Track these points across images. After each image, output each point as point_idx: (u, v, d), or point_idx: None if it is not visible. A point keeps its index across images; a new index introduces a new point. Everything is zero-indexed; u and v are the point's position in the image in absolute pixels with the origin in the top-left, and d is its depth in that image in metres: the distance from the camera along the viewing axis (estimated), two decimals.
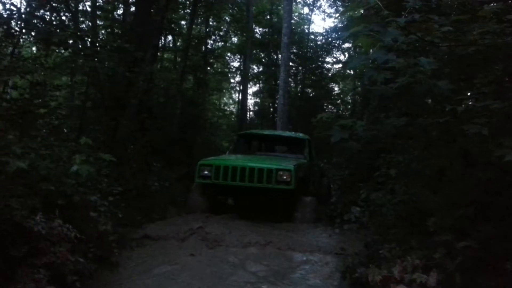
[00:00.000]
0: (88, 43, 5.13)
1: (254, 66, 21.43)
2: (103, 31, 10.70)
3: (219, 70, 19.94)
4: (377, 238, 4.19)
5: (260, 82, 21.92)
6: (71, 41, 4.65)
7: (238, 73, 21.55)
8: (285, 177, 5.97)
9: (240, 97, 20.48)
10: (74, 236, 2.94)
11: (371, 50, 2.34)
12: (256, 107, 22.07)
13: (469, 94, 2.65)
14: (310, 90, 21.36)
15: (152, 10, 7.70)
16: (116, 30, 8.85)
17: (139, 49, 6.34)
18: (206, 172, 6.17)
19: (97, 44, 5.22)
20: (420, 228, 3.57)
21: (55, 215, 2.90)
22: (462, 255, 2.77)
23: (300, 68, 21.40)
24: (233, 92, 24.64)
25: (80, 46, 4.70)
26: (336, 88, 23.27)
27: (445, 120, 2.30)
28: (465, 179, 2.69)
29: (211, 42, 17.37)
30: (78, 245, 3.04)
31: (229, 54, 20.86)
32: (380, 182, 4.50)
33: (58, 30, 4.57)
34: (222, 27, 17.51)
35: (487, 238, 2.70)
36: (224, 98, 25.13)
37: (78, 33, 4.99)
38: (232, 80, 22.89)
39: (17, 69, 3.14)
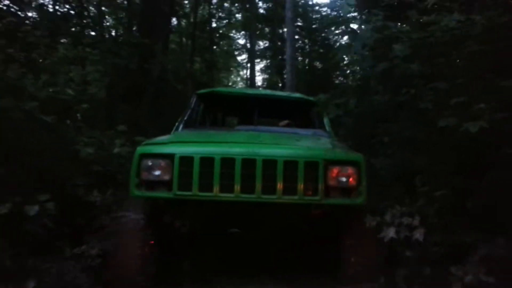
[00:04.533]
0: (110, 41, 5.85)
1: (260, 42, 21.92)
2: (109, 19, 11.35)
3: (225, 48, 20.54)
4: (376, 197, 4.90)
5: (267, 58, 22.43)
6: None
7: (245, 50, 22.10)
8: (347, 178, 3.00)
9: (248, 75, 21.09)
10: None
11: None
12: (265, 83, 22.64)
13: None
14: (318, 63, 21.78)
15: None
16: (124, 20, 9.51)
17: (151, 39, 7.01)
18: (158, 173, 2.93)
19: (119, 41, 5.92)
20: (410, 185, 4.29)
21: (106, 190, 3.70)
22: (439, 202, 3.51)
23: (306, 41, 21.80)
24: (240, 69, 25.24)
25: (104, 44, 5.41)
26: (345, 58, 23.70)
27: (405, 98, 2.95)
28: (439, 144, 3.37)
29: (215, 20, 17.91)
30: None
31: (234, 31, 21.39)
32: (377, 149, 5.20)
33: (85, 32, 5.25)
34: (225, 4, 17.99)
35: (458, 188, 3.42)
36: (232, 76, 25.75)
37: (106, 35, 5.70)
38: (239, 58, 23.47)
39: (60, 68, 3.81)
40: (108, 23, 10.94)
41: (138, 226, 3.04)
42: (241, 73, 25.47)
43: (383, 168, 5.19)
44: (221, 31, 18.82)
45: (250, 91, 5.77)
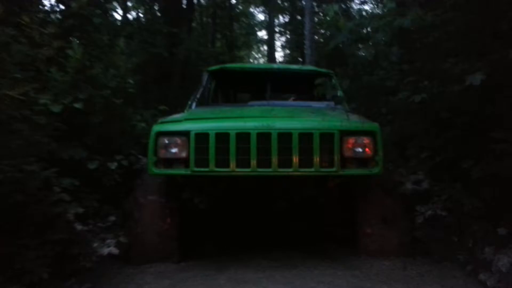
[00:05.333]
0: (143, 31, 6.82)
1: (280, 17, 22.33)
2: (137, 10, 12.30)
3: (245, 25, 21.14)
4: None
5: (287, 33, 22.86)
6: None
7: (264, 26, 22.61)
8: (363, 148, 3.03)
9: (267, 51, 21.70)
10: None
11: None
12: (286, 59, 23.16)
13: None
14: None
15: None
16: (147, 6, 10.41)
17: (177, 25, 7.92)
18: (175, 150, 3.05)
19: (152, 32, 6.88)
20: (404, 149, 5.13)
21: None
22: (425, 162, 4.34)
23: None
24: (261, 46, 25.79)
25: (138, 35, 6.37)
26: (368, 29, 23.85)
27: (381, 77, 3.79)
28: (419, 114, 4.19)
29: None
30: None
31: (253, 7, 21.90)
32: (380, 119, 6.03)
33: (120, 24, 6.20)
34: None
35: (438, 148, 4.23)
36: (253, 52, 26.36)
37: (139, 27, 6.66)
38: (259, 33, 24.01)
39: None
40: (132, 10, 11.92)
41: (158, 205, 3.25)
42: (261, 49, 26.06)
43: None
44: (240, 7, 19.39)
45: (262, 65, 5.65)
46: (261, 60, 25.49)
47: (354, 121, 3.22)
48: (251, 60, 24.86)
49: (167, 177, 3.27)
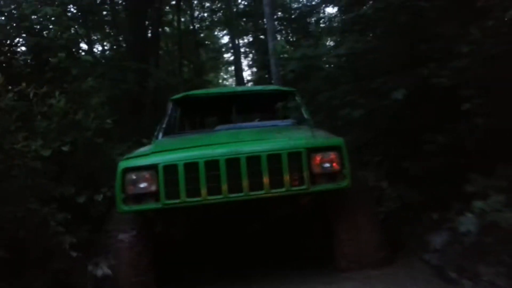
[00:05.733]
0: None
1: (245, 37, 23.18)
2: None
3: (211, 48, 21.83)
4: None
5: (252, 52, 23.71)
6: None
7: (230, 47, 23.40)
8: (331, 163, 3.13)
9: (235, 72, 22.45)
10: None
11: None
12: (254, 77, 23.95)
13: None
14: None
15: (146, 22, 9.74)
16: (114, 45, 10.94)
17: (145, 59, 8.43)
18: (143, 185, 3.04)
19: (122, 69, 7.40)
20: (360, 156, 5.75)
21: None
22: (379, 166, 4.97)
23: (288, 31, 23.07)
24: (228, 67, 26.55)
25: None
26: (330, 43, 25.01)
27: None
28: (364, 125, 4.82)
29: (198, 21, 19.21)
30: None
31: (217, 30, 22.68)
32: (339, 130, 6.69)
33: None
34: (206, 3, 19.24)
35: (385, 152, 4.89)
36: (222, 74, 27.06)
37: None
38: (225, 55, 24.78)
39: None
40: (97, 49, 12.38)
41: (130, 242, 3.20)
42: (229, 69, 26.78)
43: None
44: (204, 31, 20.08)
45: (225, 89, 5.86)
46: (230, 80, 26.19)
47: (320, 137, 3.31)
48: (220, 82, 25.52)
49: (138, 213, 3.21)
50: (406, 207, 4.04)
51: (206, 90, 5.68)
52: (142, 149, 3.48)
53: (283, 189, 2.99)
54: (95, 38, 12.65)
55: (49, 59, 3.99)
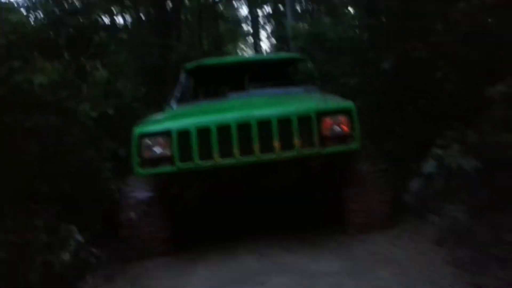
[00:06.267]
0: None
1: (264, 7, 23.41)
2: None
3: (230, 20, 22.27)
4: None
5: (271, 23, 23.96)
6: None
7: (249, 18, 23.75)
8: (341, 127, 3.25)
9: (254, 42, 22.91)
10: None
11: None
12: (272, 48, 24.31)
13: None
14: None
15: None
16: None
17: (167, 33, 9.19)
18: (157, 150, 3.25)
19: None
20: None
21: None
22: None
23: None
24: (248, 38, 26.89)
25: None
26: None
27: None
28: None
29: None
30: None
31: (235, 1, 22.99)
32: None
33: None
34: None
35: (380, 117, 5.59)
36: (240, 44, 27.45)
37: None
38: (244, 26, 25.13)
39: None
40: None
41: (148, 203, 3.43)
42: (249, 40, 27.11)
43: None
44: (223, 3, 20.49)
45: (237, 58, 5.77)
46: (249, 51, 26.58)
47: (330, 101, 3.42)
48: (239, 52, 25.96)
49: (154, 176, 3.39)
50: (394, 161, 4.77)
51: (218, 59, 5.79)
52: (157, 116, 3.70)
53: (294, 152, 3.13)
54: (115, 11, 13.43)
55: (91, 36, 4.83)
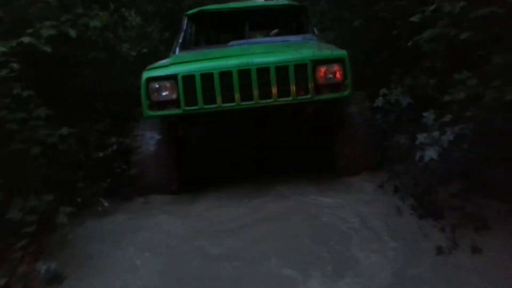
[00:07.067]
0: None
1: None
2: None
3: None
4: None
5: None
6: None
7: None
8: (334, 75, 3.52)
9: None
10: None
11: None
12: None
13: None
14: None
15: None
16: None
17: None
18: (165, 93, 3.54)
19: None
20: None
21: None
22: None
23: None
24: None
25: None
26: None
27: None
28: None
29: None
30: None
31: None
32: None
33: None
34: None
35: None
36: None
37: None
38: None
39: None
40: None
41: (156, 143, 3.78)
42: None
43: None
44: None
45: (237, 5, 5.82)
46: None
47: (325, 50, 3.68)
48: None
49: (161, 118, 3.77)
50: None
51: (220, 5, 5.96)
52: (162, 61, 3.96)
53: (290, 98, 3.46)
54: None
55: None
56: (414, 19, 3.43)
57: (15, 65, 3.24)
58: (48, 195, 2.99)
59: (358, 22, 5.30)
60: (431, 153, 2.92)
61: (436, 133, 2.94)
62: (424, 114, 3.29)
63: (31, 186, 3.10)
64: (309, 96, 3.51)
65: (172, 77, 3.54)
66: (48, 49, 3.84)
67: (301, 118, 3.95)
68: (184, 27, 4.95)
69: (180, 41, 4.74)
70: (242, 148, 4.64)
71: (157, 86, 3.55)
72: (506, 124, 2.73)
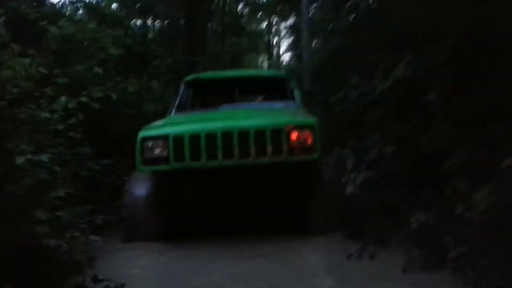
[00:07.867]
0: None
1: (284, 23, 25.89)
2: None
3: (251, 31, 24.63)
4: None
5: (291, 35, 26.39)
6: None
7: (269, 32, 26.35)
8: (305, 139, 3.94)
9: (276, 53, 25.53)
10: None
11: None
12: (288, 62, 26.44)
13: None
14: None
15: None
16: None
17: (195, 49, 12.28)
18: (157, 151, 3.99)
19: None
20: None
21: None
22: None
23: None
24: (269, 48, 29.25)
25: None
26: None
27: None
28: None
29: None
30: None
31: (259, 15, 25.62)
32: None
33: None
34: None
35: None
36: (261, 55, 29.85)
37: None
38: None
39: None
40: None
41: (146, 196, 4.14)
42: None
43: None
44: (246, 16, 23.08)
45: (230, 73, 6.43)
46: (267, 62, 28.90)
47: (298, 117, 4.30)
48: (259, 62, 28.30)
49: (153, 173, 4.19)
50: None
51: (214, 73, 6.83)
52: (157, 122, 4.53)
53: (266, 158, 3.93)
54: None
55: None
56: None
57: (81, 116, 4.95)
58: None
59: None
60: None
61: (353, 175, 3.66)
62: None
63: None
64: (283, 157, 4.01)
65: (164, 137, 4.08)
66: (96, 106, 5.61)
67: (277, 178, 4.39)
68: (181, 91, 5.59)
69: (176, 104, 5.36)
70: (225, 204, 4.89)
71: (150, 144, 4.09)
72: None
